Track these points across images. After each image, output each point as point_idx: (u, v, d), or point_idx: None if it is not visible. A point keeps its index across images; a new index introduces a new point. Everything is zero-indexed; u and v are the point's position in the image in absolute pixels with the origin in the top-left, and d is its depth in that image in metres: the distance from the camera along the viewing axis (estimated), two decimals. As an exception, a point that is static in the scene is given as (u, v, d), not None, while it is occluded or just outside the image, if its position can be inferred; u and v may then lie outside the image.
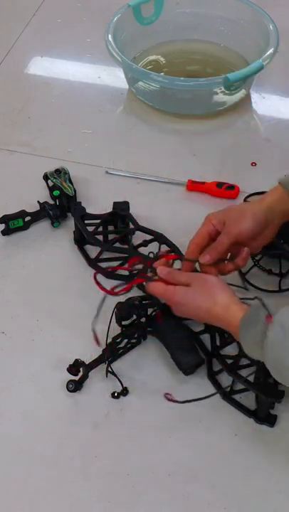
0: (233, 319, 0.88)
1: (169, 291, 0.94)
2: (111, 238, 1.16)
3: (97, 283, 0.97)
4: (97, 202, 1.22)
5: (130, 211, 1.16)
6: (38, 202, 1.21)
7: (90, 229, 1.14)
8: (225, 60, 1.51)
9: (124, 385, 0.99)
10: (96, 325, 0.95)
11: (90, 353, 1.00)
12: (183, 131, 1.40)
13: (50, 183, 1.23)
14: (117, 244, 1.15)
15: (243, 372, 0.98)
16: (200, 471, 0.91)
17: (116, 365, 1.01)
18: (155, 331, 1.03)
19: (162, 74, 1.46)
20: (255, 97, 1.47)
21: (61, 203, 1.20)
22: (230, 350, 1.01)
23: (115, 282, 1.11)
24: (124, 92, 1.49)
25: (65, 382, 0.98)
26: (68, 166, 1.26)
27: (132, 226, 1.15)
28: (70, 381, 0.97)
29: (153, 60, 1.53)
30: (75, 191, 1.22)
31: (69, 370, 0.98)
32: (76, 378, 0.98)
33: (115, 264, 1.14)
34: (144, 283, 0.99)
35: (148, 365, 1.02)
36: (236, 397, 0.98)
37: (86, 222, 1.14)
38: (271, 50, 1.34)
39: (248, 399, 0.98)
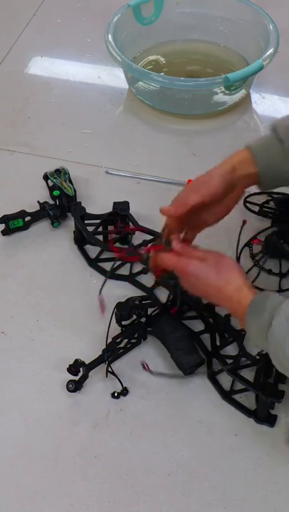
0: (243, 301, 0.86)
1: (182, 261, 0.92)
2: (111, 238, 1.16)
3: (114, 247, 0.94)
4: (97, 202, 1.22)
5: (130, 211, 1.16)
6: (38, 202, 1.21)
7: (90, 229, 1.14)
8: (225, 60, 1.52)
9: (124, 385, 0.99)
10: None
11: (90, 353, 1.00)
12: (183, 131, 1.40)
13: (50, 183, 1.23)
14: (117, 244, 1.15)
15: (243, 372, 0.98)
16: (200, 471, 0.91)
17: (116, 365, 1.01)
18: (155, 331, 1.03)
19: (162, 74, 1.46)
20: (255, 97, 1.47)
21: (61, 203, 1.20)
22: (230, 350, 1.01)
23: (116, 282, 1.12)
24: (124, 92, 1.49)
25: (65, 382, 0.98)
26: (68, 166, 1.26)
27: (132, 226, 1.15)
28: (70, 381, 0.97)
29: (153, 60, 1.53)
30: (75, 191, 1.22)
31: (69, 370, 0.98)
32: (76, 378, 0.98)
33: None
34: (149, 254, 0.97)
35: (148, 365, 1.02)
36: (236, 397, 0.98)
37: (86, 222, 1.15)
38: (271, 50, 1.34)
39: (248, 399, 0.98)
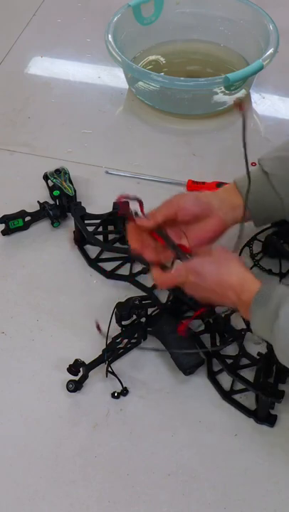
0: (247, 290, 0.85)
1: (188, 262, 0.92)
2: (111, 238, 1.16)
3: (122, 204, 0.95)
4: (97, 202, 1.22)
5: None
6: (38, 202, 1.21)
7: (90, 229, 1.14)
8: (225, 60, 1.52)
9: (124, 385, 0.99)
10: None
11: (90, 353, 1.00)
12: (183, 131, 1.40)
13: (50, 183, 1.23)
14: (117, 244, 1.15)
15: (243, 372, 0.98)
16: (200, 471, 0.91)
17: (116, 365, 1.01)
18: (155, 331, 1.03)
19: (162, 74, 1.46)
20: (255, 97, 1.47)
21: (61, 203, 1.20)
22: (230, 350, 1.01)
23: (116, 282, 1.12)
24: (124, 92, 1.49)
25: (65, 382, 0.98)
26: (68, 166, 1.26)
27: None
28: (70, 381, 0.97)
29: (153, 60, 1.53)
30: (75, 191, 1.22)
31: (69, 370, 0.98)
32: (76, 378, 0.98)
33: (115, 264, 1.14)
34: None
35: (148, 365, 1.02)
36: (236, 397, 0.98)
37: (86, 222, 1.15)
38: (271, 50, 1.34)
39: (248, 399, 0.98)
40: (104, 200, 1.19)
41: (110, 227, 1.17)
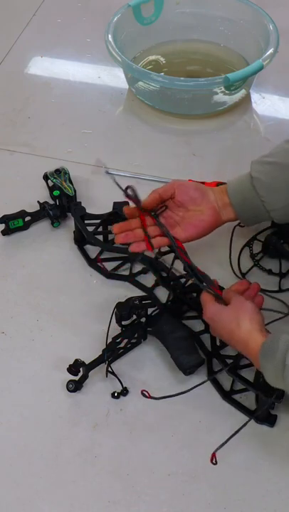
0: (253, 346, 0.88)
1: (206, 304, 0.96)
2: (111, 238, 1.16)
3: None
4: (97, 202, 1.22)
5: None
6: (38, 202, 1.21)
7: (90, 229, 1.14)
8: (225, 60, 1.52)
9: (124, 385, 0.99)
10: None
11: (90, 353, 1.00)
12: (183, 131, 1.40)
13: (50, 183, 1.23)
14: (117, 244, 1.15)
15: (243, 372, 0.98)
16: (200, 471, 0.91)
17: (116, 365, 1.01)
18: (155, 331, 1.03)
19: (162, 74, 1.46)
20: (255, 97, 1.47)
21: (61, 203, 1.20)
22: (230, 350, 1.01)
23: (116, 282, 1.12)
24: (124, 92, 1.49)
25: (65, 382, 0.98)
26: (68, 166, 1.26)
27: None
28: (70, 381, 0.97)
29: (153, 60, 1.53)
30: (75, 191, 1.22)
31: (69, 370, 0.98)
32: (76, 378, 0.98)
33: (115, 264, 1.14)
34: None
35: (148, 365, 1.02)
36: (236, 397, 0.98)
37: (86, 222, 1.15)
38: (271, 50, 1.34)
39: (248, 399, 0.98)
40: (104, 200, 1.19)
41: (110, 227, 1.17)
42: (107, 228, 1.17)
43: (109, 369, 0.99)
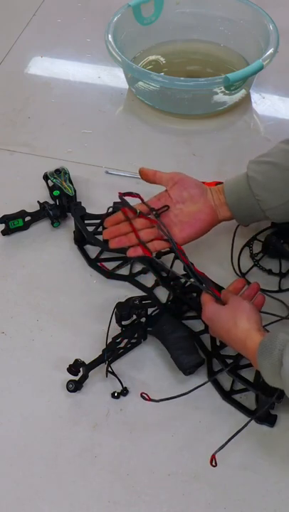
0: (251, 345, 0.89)
1: (205, 304, 0.97)
2: (111, 238, 1.16)
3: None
4: (97, 202, 1.22)
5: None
6: (38, 202, 1.21)
7: (90, 229, 1.14)
8: (225, 60, 1.52)
9: (124, 385, 0.99)
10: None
11: (90, 353, 1.00)
12: (183, 131, 1.40)
13: (50, 183, 1.23)
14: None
15: (243, 372, 0.98)
16: (200, 471, 0.91)
17: (116, 365, 1.01)
18: (155, 331, 1.03)
19: (162, 74, 1.46)
20: (255, 97, 1.47)
21: (61, 203, 1.20)
22: (230, 350, 1.01)
23: (116, 282, 1.12)
24: (124, 92, 1.49)
25: (65, 382, 0.98)
26: (68, 166, 1.26)
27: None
28: (70, 381, 0.97)
29: (153, 60, 1.53)
30: (75, 191, 1.22)
31: (69, 370, 0.98)
32: (76, 378, 0.98)
33: (115, 264, 1.14)
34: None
35: (148, 365, 1.02)
36: (236, 397, 0.98)
37: (86, 222, 1.15)
38: (271, 50, 1.34)
39: (248, 399, 0.98)
40: (104, 200, 1.19)
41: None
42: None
43: (109, 369, 0.99)
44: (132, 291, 1.10)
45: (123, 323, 1.01)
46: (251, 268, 1.13)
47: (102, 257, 1.15)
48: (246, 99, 1.45)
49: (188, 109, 1.41)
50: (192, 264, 1.00)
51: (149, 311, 1.04)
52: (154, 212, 1.02)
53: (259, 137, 1.39)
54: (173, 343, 1.00)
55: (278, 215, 1.04)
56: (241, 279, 1.03)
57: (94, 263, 1.14)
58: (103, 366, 0.99)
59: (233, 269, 1.12)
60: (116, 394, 0.98)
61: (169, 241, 1.00)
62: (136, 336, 1.02)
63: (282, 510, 0.88)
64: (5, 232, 1.19)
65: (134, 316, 1.01)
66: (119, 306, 1.01)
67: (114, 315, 1.01)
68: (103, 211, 1.16)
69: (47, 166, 1.26)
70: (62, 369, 0.98)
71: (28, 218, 1.20)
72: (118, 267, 1.14)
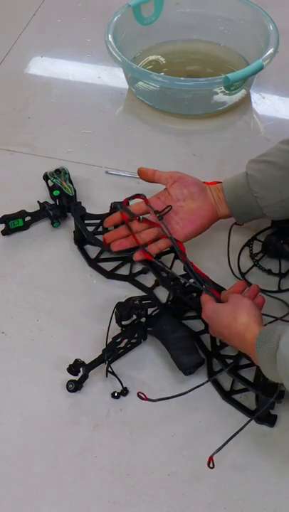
0: (250, 337, 0.89)
1: (205, 304, 0.98)
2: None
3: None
4: (97, 202, 1.22)
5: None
6: (38, 202, 1.21)
7: (90, 229, 1.14)
8: (225, 60, 1.51)
9: (124, 385, 0.99)
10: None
11: (90, 353, 1.00)
12: (183, 131, 1.40)
13: (50, 183, 1.23)
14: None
15: (243, 372, 0.98)
16: (200, 471, 0.91)
17: (116, 365, 1.01)
18: (155, 331, 1.03)
19: (162, 74, 1.46)
20: (255, 97, 1.47)
21: (61, 203, 1.20)
22: (230, 350, 1.01)
23: (116, 282, 1.12)
24: (124, 92, 1.49)
25: (65, 382, 0.98)
26: (68, 166, 1.26)
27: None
28: (70, 381, 0.97)
29: (153, 60, 1.53)
30: (75, 191, 1.22)
31: (69, 370, 0.98)
32: (76, 378, 0.98)
33: (115, 264, 1.14)
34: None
35: (148, 365, 1.02)
36: (236, 397, 0.98)
37: (86, 222, 1.15)
38: (271, 50, 1.34)
39: (248, 399, 0.98)
40: (105, 200, 1.19)
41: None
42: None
43: (109, 369, 0.99)
44: (132, 291, 1.10)
45: (123, 323, 1.01)
46: (251, 268, 1.13)
47: (102, 257, 1.15)
48: (246, 99, 1.45)
49: (188, 109, 1.41)
50: (192, 263, 1.00)
51: (149, 311, 1.04)
52: (157, 215, 1.03)
53: (259, 137, 1.39)
54: (173, 343, 1.00)
55: (275, 212, 1.06)
56: (242, 282, 1.04)
57: (94, 263, 1.14)
58: (103, 366, 0.99)
59: (231, 269, 1.12)
60: (116, 394, 0.98)
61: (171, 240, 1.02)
62: (136, 336, 1.02)
63: (282, 510, 0.88)
64: (5, 232, 1.19)
65: (134, 316, 1.01)
66: (119, 306, 1.01)
67: (114, 315, 1.01)
68: (103, 211, 1.16)
69: (47, 166, 1.26)
70: (62, 369, 0.98)
71: (28, 218, 1.20)
72: (118, 266, 1.14)
